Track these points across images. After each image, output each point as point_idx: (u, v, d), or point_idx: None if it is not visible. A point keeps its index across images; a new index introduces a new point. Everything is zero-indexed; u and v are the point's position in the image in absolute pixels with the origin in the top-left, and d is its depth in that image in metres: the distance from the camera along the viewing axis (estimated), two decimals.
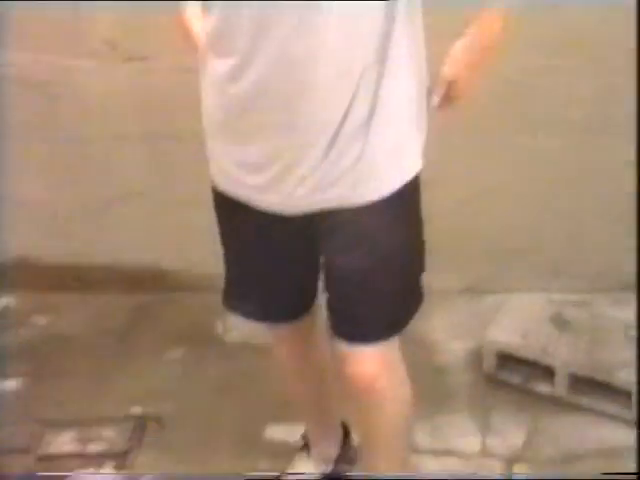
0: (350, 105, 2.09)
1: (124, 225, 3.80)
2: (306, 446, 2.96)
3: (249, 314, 2.57)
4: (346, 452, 2.92)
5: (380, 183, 2.21)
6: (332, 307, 2.40)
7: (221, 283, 2.54)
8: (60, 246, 3.89)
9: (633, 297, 3.76)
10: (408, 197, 2.27)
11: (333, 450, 2.92)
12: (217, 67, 2.18)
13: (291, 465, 2.96)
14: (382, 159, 2.19)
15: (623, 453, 3.23)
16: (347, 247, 2.28)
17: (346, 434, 2.95)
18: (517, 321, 3.53)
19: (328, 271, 2.37)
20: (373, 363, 2.38)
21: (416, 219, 2.34)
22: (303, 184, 2.17)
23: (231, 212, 2.39)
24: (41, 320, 3.82)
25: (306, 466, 2.92)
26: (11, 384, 3.53)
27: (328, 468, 2.92)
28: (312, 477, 2.90)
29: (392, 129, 2.18)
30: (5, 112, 3.62)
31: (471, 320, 3.55)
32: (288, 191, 2.19)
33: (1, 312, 3.84)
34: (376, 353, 2.37)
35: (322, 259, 2.39)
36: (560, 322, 3.52)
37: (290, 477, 2.93)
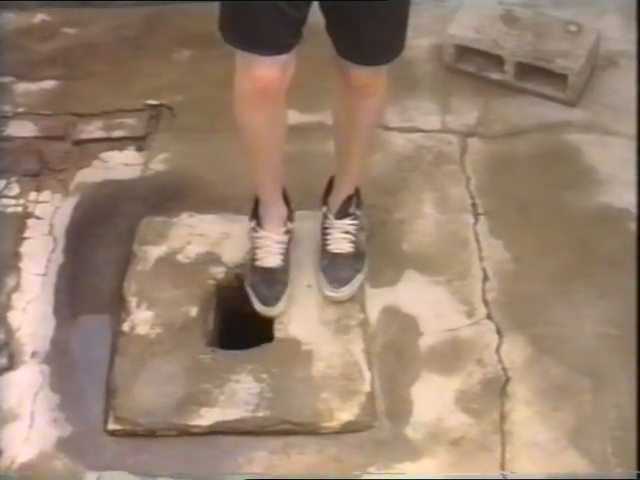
0: None
1: None
2: (258, 224, 2.77)
3: (247, 43, 2.32)
4: (291, 209, 2.80)
5: None
6: (338, 36, 2.41)
7: None
8: None
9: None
10: None
11: (283, 209, 2.78)
12: None
13: (256, 246, 2.78)
14: None
15: (558, 127, 3.27)
16: None
17: (286, 197, 2.80)
18: (473, 19, 3.47)
19: (340, 10, 2.33)
20: (368, 76, 2.48)
21: None
22: None
23: None
24: (71, 31, 3.73)
25: (269, 237, 2.76)
26: (49, 83, 3.49)
27: (287, 227, 2.78)
28: (281, 238, 2.77)
29: None
30: None
31: (433, 20, 3.49)
32: None
33: (38, 25, 3.75)
34: (371, 70, 2.46)
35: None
36: (509, 19, 3.45)
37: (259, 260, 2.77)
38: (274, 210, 2.77)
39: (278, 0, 2.23)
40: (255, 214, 2.78)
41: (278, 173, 2.74)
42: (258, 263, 2.76)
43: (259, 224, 2.77)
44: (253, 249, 2.79)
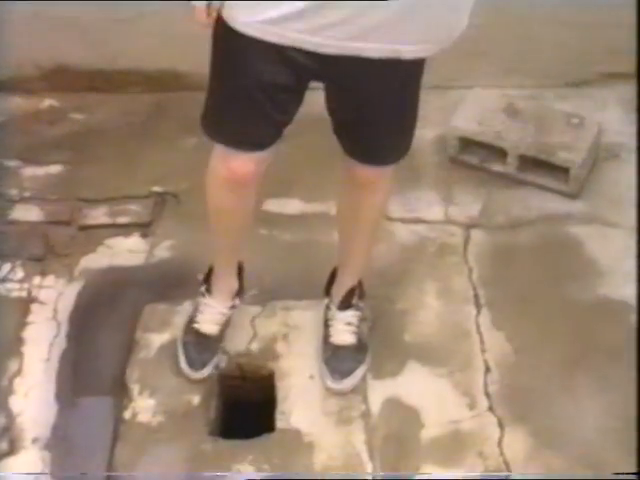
0: None
1: (145, 36, 3.74)
2: (208, 290, 2.83)
3: (227, 139, 2.39)
4: (242, 286, 2.85)
5: (434, 46, 2.16)
6: (345, 136, 2.45)
7: None
8: (92, 54, 3.83)
9: (575, 92, 3.77)
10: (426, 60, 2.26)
11: (235, 283, 2.83)
12: None
13: (199, 310, 2.84)
14: (444, 28, 2.14)
15: (560, 218, 3.31)
16: (376, 94, 2.28)
17: (241, 271, 2.85)
18: (476, 111, 3.52)
19: (348, 113, 2.37)
20: (374, 174, 2.53)
21: (422, 76, 2.33)
22: (368, 33, 2.08)
23: (243, 49, 2.19)
24: (78, 116, 3.78)
25: (213, 306, 2.82)
26: (56, 168, 3.54)
27: (234, 302, 2.84)
28: (222, 310, 2.82)
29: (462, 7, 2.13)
30: None
31: (437, 112, 3.53)
32: (351, 35, 2.08)
33: (46, 110, 3.81)
34: (378, 169, 2.51)
35: (338, 102, 2.36)
36: (512, 112, 3.50)
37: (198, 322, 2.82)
38: (225, 282, 2.82)
39: (266, 105, 2.27)
40: (207, 280, 2.84)
41: (237, 250, 2.81)
42: (196, 326, 2.82)
43: (208, 290, 2.83)
44: (195, 310, 2.85)
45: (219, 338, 2.83)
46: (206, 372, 2.79)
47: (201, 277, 2.88)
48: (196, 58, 3.35)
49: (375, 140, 2.41)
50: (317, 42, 2.10)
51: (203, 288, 2.84)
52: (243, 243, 2.78)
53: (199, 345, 2.80)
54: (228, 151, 2.40)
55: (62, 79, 3.88)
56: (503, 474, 2.57)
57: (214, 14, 2.18)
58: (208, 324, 2.81)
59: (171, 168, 3.50)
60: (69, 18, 3.73)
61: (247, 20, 2.13)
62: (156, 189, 3.42)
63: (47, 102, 3.87)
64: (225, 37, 2.21)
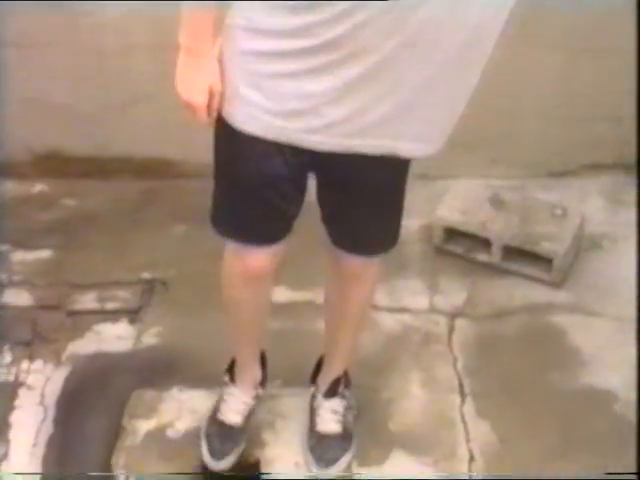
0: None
1: (136, 123, 3.81)
2: (231, 379, 2.84)
3: (238, 236, 2.40)
4: (265, 375, 2.86)
5: (426, 145, 2.18)
6: (334, 227, 2.47)
7: None
8: (85, 141, 3.89)
9: (558, 183, 3.84)
10: None
11: (258, 373, 2.84)
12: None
13: (222, 400, 2.84)
14: (439, 127, 2.16)
15: (544, 308, 3.34)
16: (367, 187, 2.30)
17: (263, 360, 2.87)
18: (461, 202, 3.59)
19: (338, 204, 2.40)
20: (362, 265, 2.55)
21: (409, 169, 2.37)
22: (367, 131, 2.09)
23: (245, 146, 2.19)
24: (69, 202, 3.85)
25: (237, 396, 2.82)
26: (46, 253, 3.58)
27: (257, 391, 2.84)
28: (245, 400, 2.82)
29: (457, 104, 2.14)
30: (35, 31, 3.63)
31: (423, 202, 3.60)
32: (350, 133, 2.09)
33: (37, 195, 3.88)
34: (365, 260, 2.53)
35: (329, 192, 2.38)
36: (496, 202, 3.57)
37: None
38: (248, 372, 2.83)
39: (273, 198, 2.28)
40: (230, 370, 2.84)
41: (258, 341, 2.81)
42: (220, 416, 2.81)
43: (232, 379, 2.83)
44: (219, 401, 2.84)
45: (243, 429, 2.80)
46: (229, 462, 2.76)
47: (225, 367, 2.87)
48: (186, 146, 3.43)
49: (364, 231, 2.43)
50: (316, 140, 2.12)
51: (227, 378, 2.84)
52: (262, 332, 2.80)
53: (223, 435, 2.78)
54: (241, 247, 2.42)
55: (54, 165, 3.95)
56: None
57: (214, 114, 2.20)
58: (232, 414, 2.80)
59: (160, 255, 3.55)
60: (62, 104, 3.80)
61: (247, 119, 2.16)
62: (145, 276, 3.46)
63: (38, 187, 3.94)
64: (225, 135, 2.23)
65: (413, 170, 2.36)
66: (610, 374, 3.08)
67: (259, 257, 2.43)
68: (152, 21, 3.52)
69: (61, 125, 3.87)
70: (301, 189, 2.34)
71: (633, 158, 3.77)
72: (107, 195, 3.86)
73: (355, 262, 2.52)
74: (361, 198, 2.34)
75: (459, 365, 3.12)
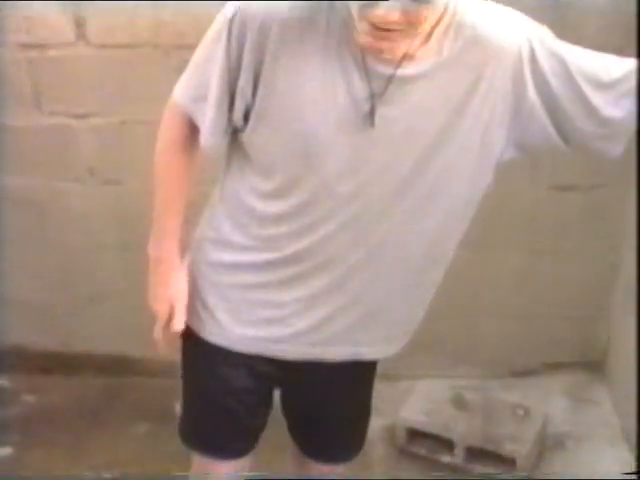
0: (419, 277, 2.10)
1: (99, 320, 3.84)
2: None
3: (204, 451, 2.36)
4: None
5: (389, 347, 2.22)
6: (300, 435, 2.48)
7: (177, 371, 2.41)
8: (47, 337, 3.92)
9: (521, 382, 3.87)
10: None
11: None
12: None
13: None
14: (402, 329, 2.22)
15: None
16: (333, 394, 2.32)
17: None
18: (424, 402, 3.60)
19: (304, 410, 2.41)
20: (329, 469, 2.52)
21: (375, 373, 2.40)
22: (331, 339, 2.12)
23: (210, 357, 2.21)
24: (29, 398, 3.83)
25: None
26: (5, 451, 3.54)
27: None
28: None
29: (421, 305, 2.20)
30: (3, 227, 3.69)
31: (386, 402, 3.60)
32: (314, 341, 2.12)
33: None
34: (333, 466, 2.52)
35: (295, 399, 2.40)
36: (459, 403, 3.58)
37: None
38: None
39: (238, 411, 2.27)
40: None
41: None
42: None
43: None
44: None
45: None
46: None
47: None
48: (147, 345, 3.42)
49: (330, 439, 2.43)
50: (280, 349, 2.14)
51: None
52: None
53: None
54: (207, 460, 2.39)
55: (15, 360, 3.92)
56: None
57: (178, 326, 2.17)
58: None
59: (121, 454, 3.49)
60: (23, 300, 3.83)
61: (213, 330, 2.18)
62: (105, 475, 3.40)
63: None
64: (192, 345, 2.23)
65: (377, 370, 2.38)
66: None
67: (228, 467, 2.39)
68: (119, 219, 3.61)
69: (23, 320, 3.88)
70: (266, 404, 2.34)
71: (595, 356, 3.85)
72: (68, 392, 3.83)
73: (322, 468, 2.51)
74: (328, 406, 2.35)
75: None
